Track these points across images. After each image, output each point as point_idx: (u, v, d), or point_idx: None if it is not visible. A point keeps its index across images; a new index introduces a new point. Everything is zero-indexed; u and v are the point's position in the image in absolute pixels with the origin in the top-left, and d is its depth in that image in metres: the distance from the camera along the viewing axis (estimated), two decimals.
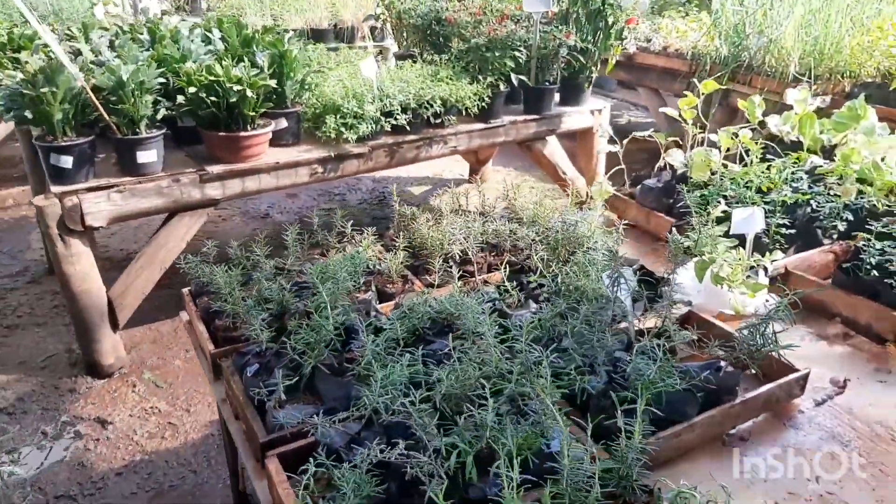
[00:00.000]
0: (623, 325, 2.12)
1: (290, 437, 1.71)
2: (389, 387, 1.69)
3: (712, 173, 3.09)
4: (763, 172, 3.17)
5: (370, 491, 1.48)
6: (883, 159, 3.11)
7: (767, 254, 2.59)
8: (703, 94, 3.55)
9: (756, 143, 3.33)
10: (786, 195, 2.87)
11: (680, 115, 3.37)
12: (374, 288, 2.42)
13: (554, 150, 5.16)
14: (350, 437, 1.67)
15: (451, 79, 4.49)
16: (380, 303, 2.41)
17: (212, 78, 3.71)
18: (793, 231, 2.76)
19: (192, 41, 4.37)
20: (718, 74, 5.90)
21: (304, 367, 1.87)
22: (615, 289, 2.05)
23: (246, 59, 3.95)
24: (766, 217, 2.74)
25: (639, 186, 3.23)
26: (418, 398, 1.61)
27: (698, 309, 2.50)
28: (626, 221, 3.25)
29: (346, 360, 1.97)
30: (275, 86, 3.89)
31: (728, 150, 3.47)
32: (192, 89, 3.72)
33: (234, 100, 3.69)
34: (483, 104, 4.50)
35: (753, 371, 2.05)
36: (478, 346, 1.81)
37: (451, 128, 4.54)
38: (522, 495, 1.37)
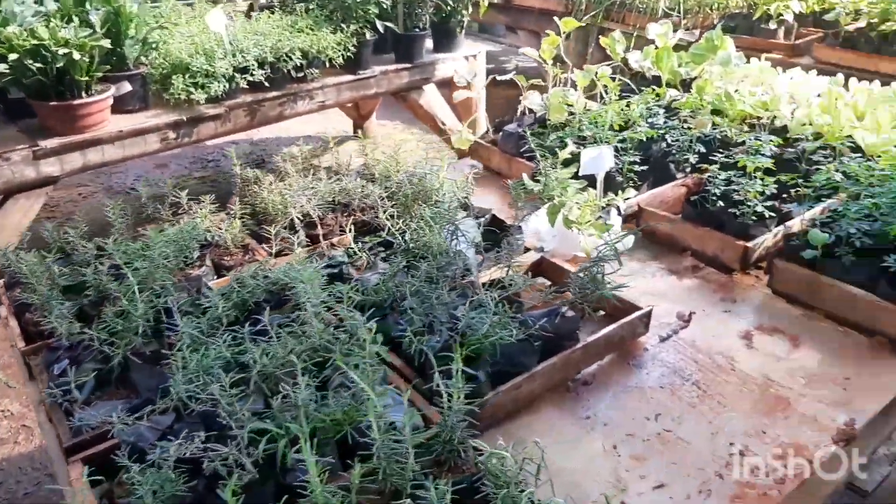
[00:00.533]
0: (469, 279, 2.04)
1: (92, 439, 1.55)
2: (202, 372, 1.55)
3: (570, 114, 3.03)
4: (623, 110, 3.14)
5: (174, 490, 1.35)
6: (737, 90, 3.14)
7: (620, 192, 2.57)
8: (563, 32, 3.47)
9: (615, 81, 3.30)
10: (639, 132, 2.85)
11: (540, 56, 3.28)
12: (208, 262, 2.24)
13: (431, 99, 5.01)
14: (160, 433, 1.52)
15: (311, 29, 4.23)
16: (218, 277, 2.25)
17: (35, 42, 3.33)
18: (646, 168, 2.75)
19: (20, 3, 3.91)
20: (593, 13, 5.88)
21: (113, 358, 1.70)
22: (453, 242, 1.96)
23: (76, 18, 3.57)
24: (619, 155, 2.72)
25: (501, 132, 3.15)
26: (229, 381, 1.47)
27: (554, 254, 2.46)
28: (491, 168, 3.21)
29: (169, 346, 1.81)
30: (110, 46, 3.55)
31: (593, 88, 3.43)
32: (13, 56, 3.33)
33: (61, 65, 3.34)
34: (349, 54, 4.28)
35: (595, 313, 2.01)
36: (301, 318, 1.69)
37: (316, 81, 4.31)
38: (329, 478, 1.27)
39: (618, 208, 2.54)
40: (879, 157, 2.62)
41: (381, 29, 4.39)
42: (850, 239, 2.06)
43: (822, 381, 1.86)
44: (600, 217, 2.48)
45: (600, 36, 5.35)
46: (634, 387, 1.87)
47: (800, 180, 2.40)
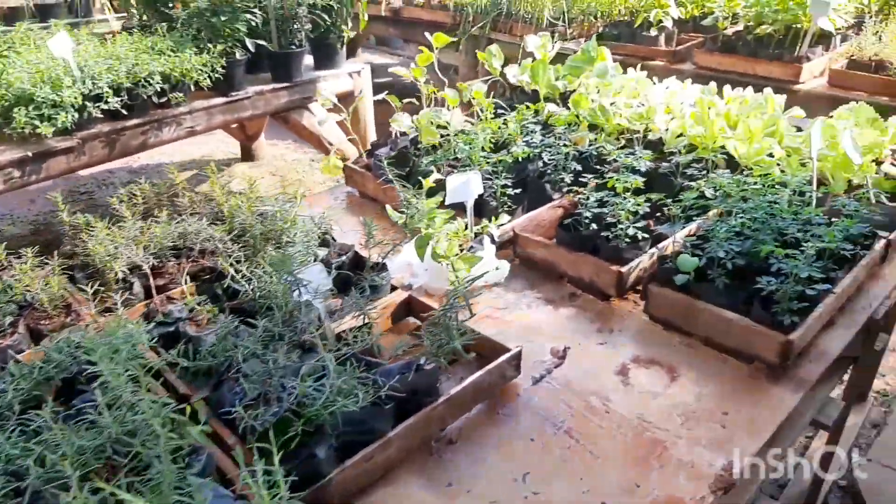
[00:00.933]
0: (318, 333, 1.83)
1: None
2: None
3: (444, 135, 2.87)
4: (500, 128, 3.01)
5: None
6: (613, 103, 3.06)
7: (494, 219, 2.42)
8: (436, 48, 3.31)
9: (493, 97, 3.17)
10: (513, 152, 2.71)
11: (412, 76, 3.11)
12: (21, 328, 1.93)
13: (317, 119, 4.77)
14: None
15: (173, 50, 3.92)
16: (36, 344, 1.95)
17: None
18: (521, 189, 2.61)
19: None
20: (481, 24, 5.78)
21: None
22: (296, 292, 1.74)
23: None
24: (492, 178, 2.57)
25: (374, 156, 2.95)
26: None
27: (428, 289, 2.28)
28: (367, 195, 3.00)
29: None
30: None
31: (471, 105, 3.29)
32: None
33: None
34: (218, 76, 3.99)
35: (464, 357, 1.84)
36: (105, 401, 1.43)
37: (183, 106, 4.00)
38: None
39: (491, 236, 2.38)
40: (752, 168, 2.58)
41: (251, 48, 4.11)
42: (721, 261, 1.96)
43: (700, 418, 1.75)
44: (472, 247, 2.31)
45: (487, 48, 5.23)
46: (503, 441, 1.70)
47: (670, 200, 2.30)
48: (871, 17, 4.46)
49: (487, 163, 2.61)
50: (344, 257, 2.18)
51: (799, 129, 2.84)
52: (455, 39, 5.96)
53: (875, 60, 4.03)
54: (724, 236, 1.97)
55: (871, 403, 3.33)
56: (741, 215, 2.08)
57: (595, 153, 2.78)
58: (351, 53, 9.81)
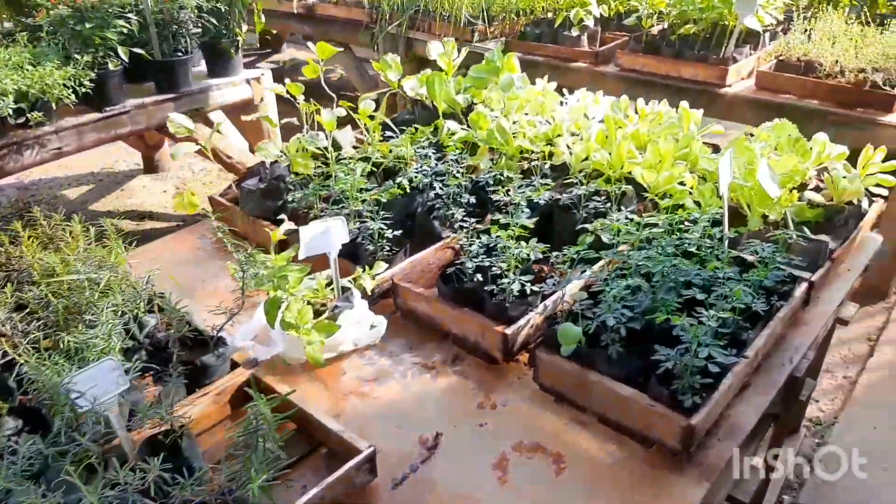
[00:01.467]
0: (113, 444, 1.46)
1: None
2: None
3: (324, 163, 2.51)
4: (391, 152, 2.66)
5: None
6: (515, 121, 2.73)
7: (367, 268, 2.07)
8: (322, 59, 2.94)
9: (379, 117, 2.81)
10: (400, 183, 2.37)
11: (287, 92, 2.73)
12: None
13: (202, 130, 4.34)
14: None
15: (32, 64, 3.45)
16: None
17: None
18: (410, 226, 2.28)
19: None
20: (399, 22, 5.41)
21: None
22: (74, 399, 1.37)
23: None
24: (370, 218, 2.22)
25: (241, 189, 2.57)
26: None
27: (286, 360, 1.93)
28: (236, 233, 2.62)
29: None
30: None
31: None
32: None
33: None
34: (86, 90, 3.54)
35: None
36: None
37: (48, 125, 3.54)
38: None
39: (363, 290, 2.04)
40: (664, 197, 2.29)
41: (124, 57, 3.66)
42: (614, 327, 1.66)
43: None
44: (337, 307, 1.97)
45: (410, 49, 4.85)
46: None
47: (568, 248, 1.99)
48: (798, 14, 4.24)
49: (362, 201, 2.25)
50: (164, 333, 1.80)
51: (716, 150, 2.57)
52: (372, 38, 5.59)
53: (804, 61, 3.80)
54: (616, 296, 1.67)
55: (803, 435, 3.11)
56: (640, 265, 1.77)
57: (492, 182, 2.45)
58: (274, 50, 9.35)
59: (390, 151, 2.63)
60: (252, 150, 4.67)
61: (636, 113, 2.83)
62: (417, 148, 2.66)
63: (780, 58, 3.91)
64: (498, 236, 1.95)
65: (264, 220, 2.47)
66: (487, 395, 1.82)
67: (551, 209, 2.32)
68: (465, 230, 2.12)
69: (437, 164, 2.55)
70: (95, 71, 3.60)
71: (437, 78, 2.87)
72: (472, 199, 2.37)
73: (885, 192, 2.38)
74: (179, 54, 4.01)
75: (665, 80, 4.12)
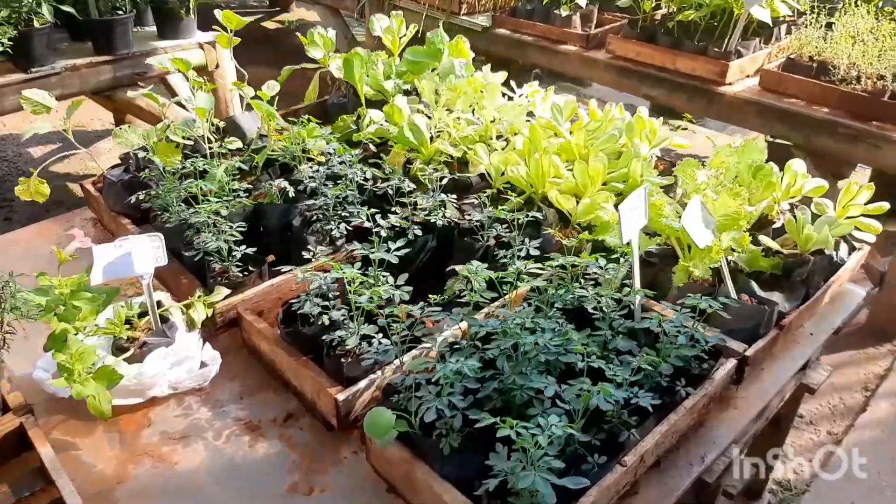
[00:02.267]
0: None
1: None
2: None
3: (192, 156, 2.14)
4: (288, 147, 2.27)
5: None
6: (440, 119, 2.32)
7: (200, 295, 1.71)
8: (231, 29, 2.55)
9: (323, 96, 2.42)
10: (268, 190, 1.98)
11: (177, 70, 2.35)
12: None
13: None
14: None
15: None
16: None
17: None
18: (255, 249, 1.90)
19: None
20: None
21: None
22: None
23: None
24: (217, 229, 1.84)
25: (105, 180, 2.22)
26: None
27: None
28: (106, 228, 2.27)
29: None
30: None
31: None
32: None
33: None
34: (5, 49, 3.20)
35: None
36: None
37: None
38: None
39: (190, 321, 1.68)
40: (588, 228, 1.88)
41: (47, 14, 3.31)
42: (449, 416, 1.27)
43: None
44: (147, 343, 1.61)
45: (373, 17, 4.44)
46: None
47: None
48: (817, 4, 3.67)
49: (216, 213, 1.87)
50: None
51: (667, 170, 2.13)
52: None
53: (817, 61, 3.27)
54: (451, 375, 1.27)
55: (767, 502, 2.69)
56: (504, 339, 1.37)
57: (393, 192, 2.05)
58: (283, 9, 8.91)
59: (288, 147, 2.24)
60: None
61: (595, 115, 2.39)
62: (325, 140, 2.27)
63: (791, 55, 3.37)
64: (368, 264, 1.55)
65: (126, 218, 2.12)
66: (308, 474, 1.45)
67: (448, 237, 1.92)
68: (333, 252, 1.74)
69: (335, 165, 2.15)
70: (19, 28, 3.26)
71: (356, 59, 2.46)
72: (364, 211, 1.97)
73: (870, 238, 1.92)
74: (120, 12, 3.65)
75: (661, 72, 3.62)
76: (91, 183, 2.31)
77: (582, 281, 1.62)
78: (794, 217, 1.80)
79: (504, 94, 2.60)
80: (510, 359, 1.35)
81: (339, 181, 2.08)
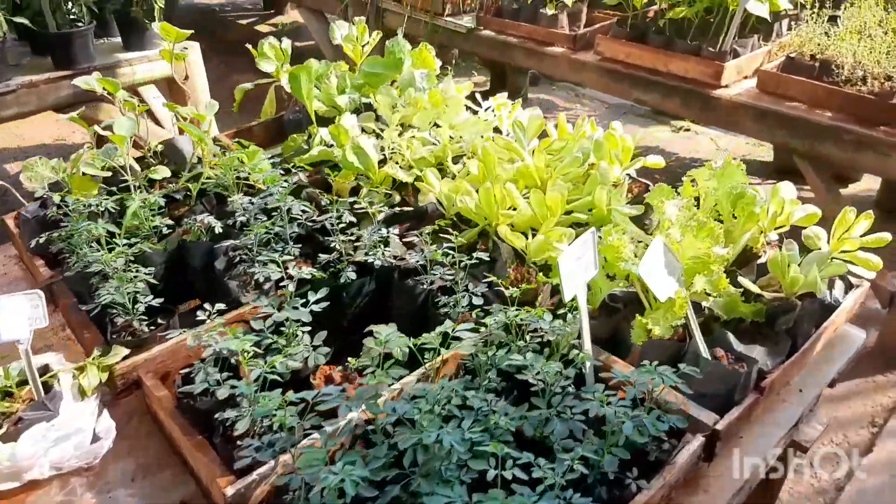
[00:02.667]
0: None
1: None
2: None
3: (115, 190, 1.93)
4: (218, 176, 2.06)
5: None
6: (411, 127, 2.09)
7: (98, 353, 1.51)
8: (172, 42, 2.35)
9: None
10: (191, 225, 1.77)
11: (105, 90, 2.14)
12: None
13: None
14: None
15: None
16: None
17: None
18: (162, 300, 1.69)
19: None
20: None
21: None
22: None
23: None
24: (133, 270, 1.63)
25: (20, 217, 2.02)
26: None
27: None
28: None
29: None
30: None
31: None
32: None
33: None
34: None
35: None
36: None
37: None
38: None
39: (82, 388, 1.47)
40: (545, 269, 1.64)
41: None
42: None
43: None
44: (22, 419, 1.41)
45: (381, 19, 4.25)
46: None
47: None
48: (815, 4, 3.38)
49: (116, 255, 1.66)
50: None
51: (638, 199, 1.89)
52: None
53: (820, 59, 2.99)
54: (341, 485, 1.05)
55: None
56: (409, 434, 1.14)
57: (333, 226, 1.83)
58: (278, 11, 8.71)
59: (220, 175, 2.03)
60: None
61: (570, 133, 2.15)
62: (267, 164, 2.06)
63: (791, 54, 3.10)
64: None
65: (41, 259, 1.92)
66: None
67: (390, 276, 1.70)
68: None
69: (270, 196, 1.93)
70: None
71: (303, 73, 2.23)
72: (270, 258, 1.73)
73: (870, 274, 1.66)
74: (79, 25, 3.46)
75: (652, 74, 3.36)
76: (12, 217, 2.11)
77: (528, 338, 1.39)
78: (780, 252, 1.55)
79: (469, 108, 2.37)
80: (426, 450, 1.12)
81: (264, 217, 1.86)
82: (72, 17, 3.45)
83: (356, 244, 1.80)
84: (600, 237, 1.47)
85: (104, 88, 2.16)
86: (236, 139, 2.60)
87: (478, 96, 2.39)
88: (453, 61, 6.41)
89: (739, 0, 3.02)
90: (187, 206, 2.09)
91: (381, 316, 1.68)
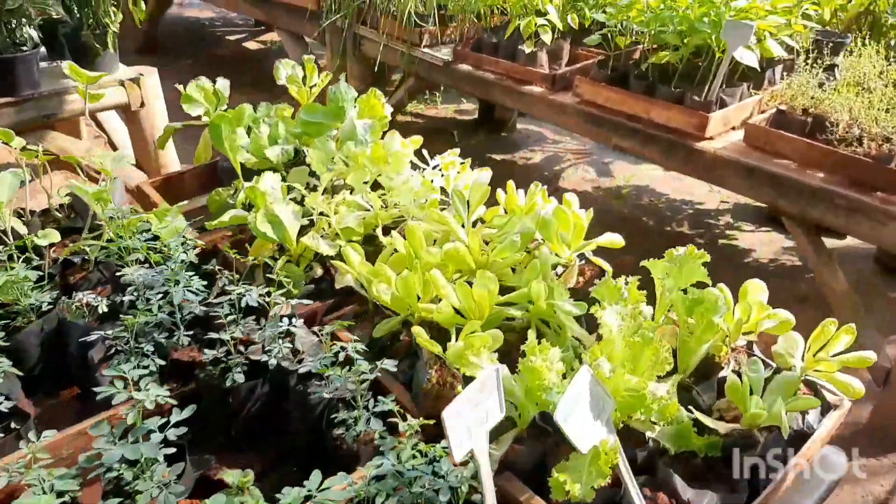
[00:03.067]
0: None
1: None
2: None
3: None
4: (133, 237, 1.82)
5: None
6: (346, 189, 1.85)
7: None
8: (82, 83, 2.12)
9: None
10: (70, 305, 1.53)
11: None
12: None
13: (74, 144, 3.59)
14: None
15: None
16: None
17: None
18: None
19: None
20: (344, 13, 4.53)
21: None
22: None
23: None
24: None
25: None
26: None
27: None
28: None
29: None
30: None
31: None
32: None
33: None
34: None
35: None
36: None
37: None
38: None
39: None
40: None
41: None
42: None
43: None
44: None
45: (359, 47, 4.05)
46: None
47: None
48: (816, 46, 3.15)
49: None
50: None
51: (590, 287, 1.64)
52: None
53: (813, 115, 2.75)
54: None
55: None
56: None
57: (229, 308, 1.59)
58: (268, 28, 8.53)
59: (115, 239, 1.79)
60: (138, 165, 3.90)
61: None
62: (177, 226, 1.82)
63: (782, 107, 2.86)
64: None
65: None
66: None
67: (286, 379, 1.45)
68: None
69: (166, 266, 1.69)
70: None
71: (223, 122, 1.99)
72: (185, 339, 1.51)
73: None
74: (22, 49, 3.24)
75: (633, 121, 3.12)
76: None
77: (427, 484, 1.14)
78: (742, 378, 1.30)
79: (416, 165, 2.14)
80: None
81: (158, 295, 1.62)
82: (16, 40, 3.23)
83: (259, 329, 1.56)
84: (523, 352, 1.22)
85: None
86: (167, 186, 2.38)
87: (425, 152, 2.15)
88: (441, 87, 6.21)
89: (727, 47, 2.78)
90: (85, 271, 1.85)
91: (276, 420, 1.45)
